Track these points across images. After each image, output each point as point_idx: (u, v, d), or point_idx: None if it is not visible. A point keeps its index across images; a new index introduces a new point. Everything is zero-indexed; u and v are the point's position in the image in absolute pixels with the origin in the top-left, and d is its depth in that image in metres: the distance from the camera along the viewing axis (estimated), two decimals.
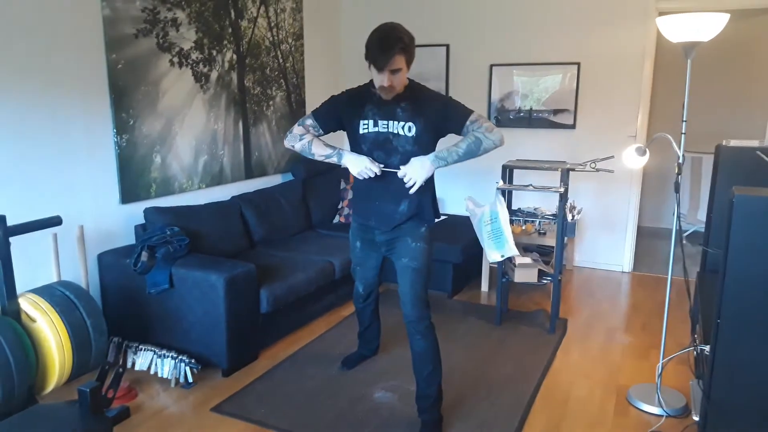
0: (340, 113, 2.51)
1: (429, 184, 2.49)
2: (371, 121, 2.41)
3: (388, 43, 2.19)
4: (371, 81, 2.39)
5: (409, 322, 2.51)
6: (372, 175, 2.36)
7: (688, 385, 2.98)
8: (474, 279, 4.67)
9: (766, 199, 1.84)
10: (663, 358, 2.90)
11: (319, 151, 2.46)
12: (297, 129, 2.53)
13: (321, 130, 2.54)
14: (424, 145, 2.39)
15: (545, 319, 3.83)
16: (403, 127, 2.37)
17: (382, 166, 2.39)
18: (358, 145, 2.46)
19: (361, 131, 2.43)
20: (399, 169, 2.36)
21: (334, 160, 2.44)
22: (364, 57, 2.29)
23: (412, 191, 2.35)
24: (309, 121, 2.54)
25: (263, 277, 3.31)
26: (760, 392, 1.95)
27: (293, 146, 2.52)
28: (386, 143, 2.40)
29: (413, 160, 2.34)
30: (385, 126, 2.39)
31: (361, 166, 2.36)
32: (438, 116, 2.38)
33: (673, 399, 2.81)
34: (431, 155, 2.31)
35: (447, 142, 2.39)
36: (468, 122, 2.35)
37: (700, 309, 2.90)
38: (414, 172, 2.30)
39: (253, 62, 4.32)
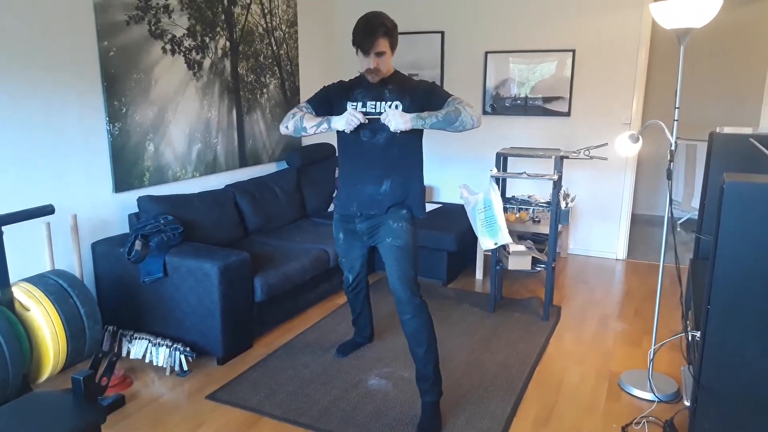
0: (331, 98, 2.59)
1: (416, 172, 2.57)
2: (359, 103, 2.51)
3: (372, 28, 2.36)
4: (361, 74, 2.54)
5: (399, 302, 2.53)
6: (357, 123, 2.38)
7: (679, 370, 3.00)
8: (468, 267, 4.69)
9: (757, 185, 1.85)
10: (655, 345, 2.92)
11: (310, 123, 2.48)
12: (290, 111, 2.58)
13: (313, 113, 2.58)
14: None
15: (539, 307, 3.85)
16: (390, 106, 2.45)
17: (364, 113, 2.42)
18: None
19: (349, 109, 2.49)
20: (381, 113, 2.39)
21: (324, 127, 2.46)
22: (352, 43, 2.43)
23: (390, 126, 2.34)
24: (302, 104, 2.61)
25: (257, 266, 3.31)
26: (749, 378, 1.96)
27: (287, 127, 2.53)
28: (373, 122, 2.46)
29: (396, 109, 2.39)
30: (373, 106, 2.49)
31: (345, 117, 2.38)
32: (422, 95, 2.47)
33: (665, 384, 2.84)
34: (413, 114, 2.35)
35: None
36: (450, 99, 2.43)
37: (692, 295, 2.92)
38: (393, 116, 2.32)
39: (246, 49, 4.29)
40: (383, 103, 2.47)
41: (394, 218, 2.54)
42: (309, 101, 2.61)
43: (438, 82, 5.23)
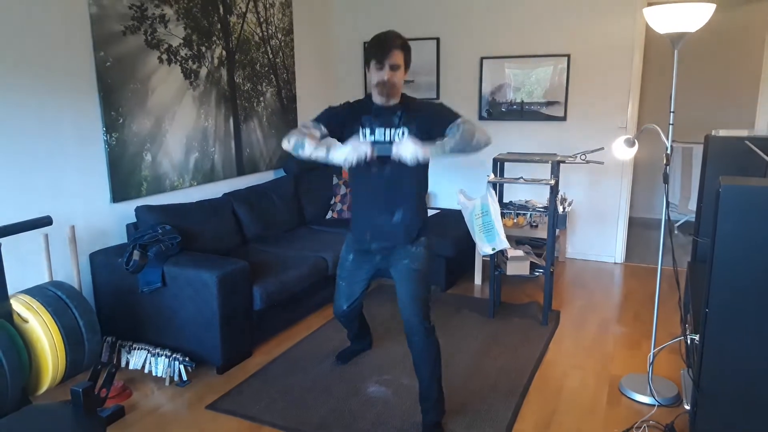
0: (343, 118, 2.44)
1: (423, 198, 2.56)
2: (368, 129, 2.41)
3: (388, 38, 2.32)
4: (367, 95, 2.46)
5: (409, 324, 2.48)
6: (362, 157, 2.15)
7: (679, 374, 3.00)
8: (467, 272, 4.69)
9: (753, 188, 1.86)
10: (654, 348, 2.92)
11: (311, 145, 2.26)
12: (298, 126, 2.41)
13: (322, 127, 2.40)
14: None
15: (538, 311, 3.85)
16: (397, 134, 2.37)
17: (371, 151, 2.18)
18: None
19: (361, 139, 2.37)
20: (391, 144, 2.21)
21: (322, 155, 2.25)
22: (362, 57, 2.37)
23: (406, 160, 2.14)
24: (308, 123, 2.42)
25: (256, 274, 3.31)
26: (749, 380, 1.97)
27: (288, 141, 2.32)
28: (383, 156, 2.34)
29: (405, 138, 2.22)
30: (382, 134, 2.39)
31: (349, 148, 2.15)
32: (428, 120, 2.38)
33: (665, 388, 2.84)
34: (430, 144, 2.20)
35: None
36: (459, 121, 2.32)
37: (690, 298, 2.92)
38: (406, 149, 2.13)
39: (242, 58, 4.30)
40: (390, 129, 2.37)
41: (413, 242, 2.50)
42: (316, 118, 2.44)
43: (434, 89, 5.25)
